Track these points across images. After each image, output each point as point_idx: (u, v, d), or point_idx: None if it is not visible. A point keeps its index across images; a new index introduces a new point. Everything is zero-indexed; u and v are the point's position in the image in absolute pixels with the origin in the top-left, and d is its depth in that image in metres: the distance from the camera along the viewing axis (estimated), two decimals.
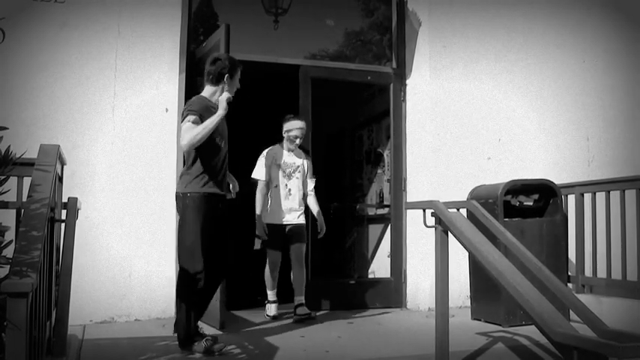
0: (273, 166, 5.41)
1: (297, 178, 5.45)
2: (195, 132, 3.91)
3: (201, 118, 3.96)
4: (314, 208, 5.51)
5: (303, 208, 5.50)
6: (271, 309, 5.39)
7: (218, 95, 4.10)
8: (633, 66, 6.76)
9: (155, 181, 5.16)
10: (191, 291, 3.99)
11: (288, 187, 5.41)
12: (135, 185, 5.16)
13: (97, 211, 5.01)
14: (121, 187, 5.13)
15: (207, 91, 4.18)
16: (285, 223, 5.36)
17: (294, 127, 5.41)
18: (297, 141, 5.41)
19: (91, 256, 4.93)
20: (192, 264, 3.95)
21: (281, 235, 5.34)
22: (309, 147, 5.83)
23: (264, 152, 5.48)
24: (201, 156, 4.06)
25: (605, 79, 6.64)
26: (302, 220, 5.46)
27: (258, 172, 5.40)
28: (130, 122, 5.17)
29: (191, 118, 3.96)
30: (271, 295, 5.42)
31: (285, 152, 5.47)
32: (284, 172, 5.42)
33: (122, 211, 5.12)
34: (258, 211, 5.36)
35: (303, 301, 5.24)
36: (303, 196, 5.50)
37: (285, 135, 5.44)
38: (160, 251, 5.18)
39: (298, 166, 5.48)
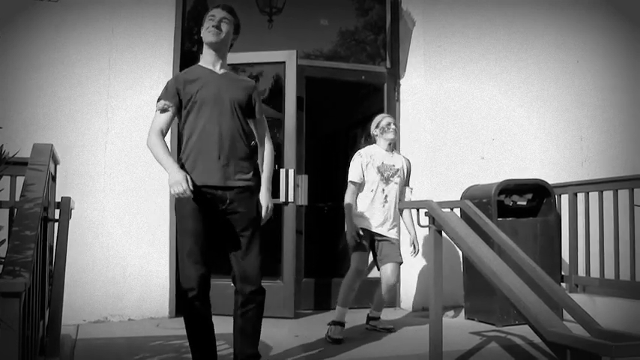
0: (370, 167, 4.72)
1: (396, 183, 4.74)
2: (151, 137, 3.34)
3: (176, 97, 3.30)
4: (410, 228, 4.82)
5: (398, 221, 4.80)
6: (335, 330, 4.46)
7: (207, 56, 3.40)
8: (632, 66, 6.78)
9: (155, 181, 5.15)
10: (185, 314, 3.25)
11: (385, 192, 4.70)
12: (135, 185, 5.15)
13: (96, 211, 5.02)
14: (121, 187, 5.12)
15: (201, 57, 3.48)
16: (375, 231, 4.68)
17: (381, 117, 4.85)
18: (392, 127, 4.78)
19: (90, 255, 4.95)
20: (182, 277, 3.20)
21: (370, 239, 4.70)
22: (303, 147, 5.82)
23: (360, 151, 4.80)
24: (185, 135, 3.36)
25: (605, 79, 6.66)
26: (395, 234, 4.75)
27: (355, 174, 4.70)
28: (129, 122, 5.16)
29: (158, 106, 3.34)
30: (340, 313, 4.55)
31: (384, 152, 4.80)
32: (382, 175, 4.71)
33: (122, 211, 5.11)
34: (349, 215, 4.66)
35: (378, 315, 4.88)
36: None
37: (377, 132, 4.82)
38: (160, 251, 5.18)
39: (398, 170, 4.77)
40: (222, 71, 3.41)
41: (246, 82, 3.49)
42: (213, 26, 3.33)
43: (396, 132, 4.85)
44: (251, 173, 3.36)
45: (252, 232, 3.31)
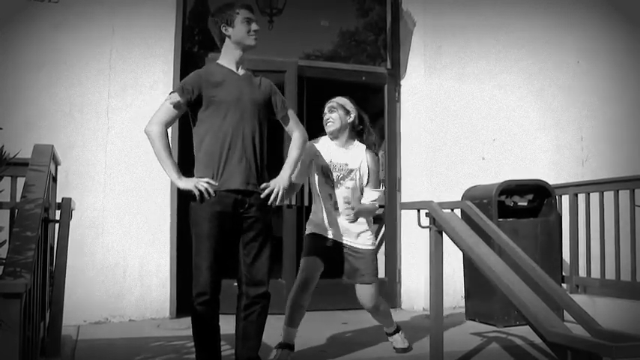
0: (314, 165, 3.85)
1: (348, 187, 3.80)
2: (154, 125, 3.21)
3: (192, 95, 3.20)
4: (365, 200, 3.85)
5: (365, 227, 3.85)
6: (281, 355, 3.82)
7: (231, 56, 3.32)
8: (633, 66, 6.77)
9: (155, 181, 5.15)
10: (193, 316, 3.22)
11: (332, 198, 3.82)
12: (135, 185, 5.15)
13: (97, 211, 5.02)
14: (121, 187, 5.12)
15: (221, 56, 3.39)
16: (332, 238, 3.83)
17: (327, 104, 3.98)
18: (327, 117, 3.88)
19: (90, 256, 4.95)
20: (195, 281, 3.15)
21: (324, 247, 3.82)
22: None
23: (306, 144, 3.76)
24: (203, 136, 3.25)
25: (605, 79, 6.65)
26: (368, 242, 3.84)
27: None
28: (129, 122, 5.16)
29: (172, 98, 3.22)
30: (287, 334, 3.85)
31: (334, 147, 3.88)
32: (328, 177, 3.81)
33: (122, 211, 5.11)
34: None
35: (391, 331, 4.13)
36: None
37: None
38: (160, 251, 5.17)
39: (352, 170, 3.82)
40: (242, 72, 3.36)
41: (264, 82, 3.43)
42: (254, 31, 3.31)
43: (335, 122, 3.86)
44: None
45: (265, 238, 3.28)
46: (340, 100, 3.98)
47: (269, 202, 3.23)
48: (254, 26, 3.31)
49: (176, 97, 3.22)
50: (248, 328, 3.29)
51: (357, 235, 3.83)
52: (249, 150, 3.22)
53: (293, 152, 3.44)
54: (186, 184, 3.17)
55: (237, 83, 3.28)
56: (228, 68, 3.33)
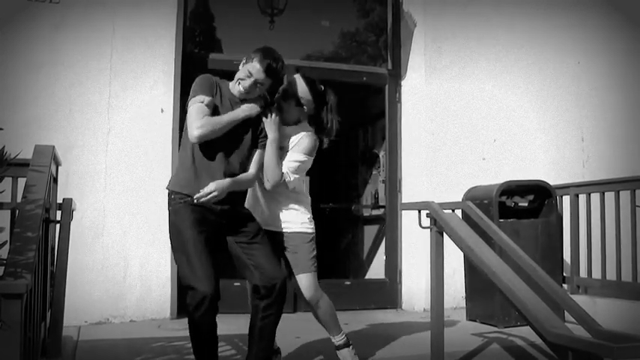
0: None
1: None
2: (214, 121, 3.12)
3: (213, 95, 3.21)
4: None
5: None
6: None
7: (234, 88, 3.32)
8: (633, 66, 6.76)
9: (155, 181, 5.14)
10: (191, 320, 3.10)
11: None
12: (135, 185, 5.15)
13: (97, 211, 5.02)
14: (121, 187, 5.12)
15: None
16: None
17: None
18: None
19: (90, 256, 4.95)
20: (191, 293, 3.02)
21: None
22: None
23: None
24: (190, 148, 3.22)
25: (605, 79, 6.64)
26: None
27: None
28: (130, 122, 5.17)
29: (201, 98, 3.16)
30: None
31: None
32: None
33: (122, 211, 5.11)
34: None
35: (334, 341, 3.72)
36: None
37: None
38: (160, 251, 5.16)
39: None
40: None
41: (259, 108, 3.36)
42: (243, 87, 3.25)
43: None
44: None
45: (262, 235, 3.30)
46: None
47: (195, 196, 3.11)
48: (249, 81, 3.23)
49: (210, 99, 3.19)
50: (265, 330, 3.26)
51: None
52: (236, 172, 3.23)
53: (249, 174, 3.32)
54: (250, 108, 3.25)
55: (235, 106, 3.28)
56: (232, 93, 3.32)
